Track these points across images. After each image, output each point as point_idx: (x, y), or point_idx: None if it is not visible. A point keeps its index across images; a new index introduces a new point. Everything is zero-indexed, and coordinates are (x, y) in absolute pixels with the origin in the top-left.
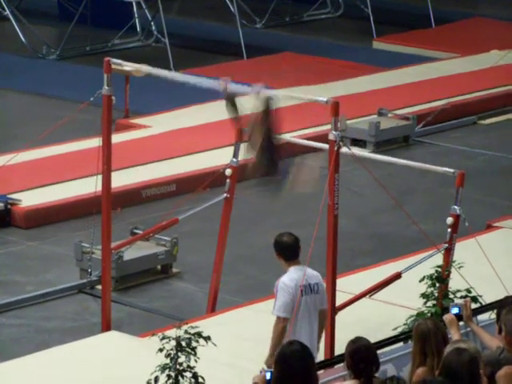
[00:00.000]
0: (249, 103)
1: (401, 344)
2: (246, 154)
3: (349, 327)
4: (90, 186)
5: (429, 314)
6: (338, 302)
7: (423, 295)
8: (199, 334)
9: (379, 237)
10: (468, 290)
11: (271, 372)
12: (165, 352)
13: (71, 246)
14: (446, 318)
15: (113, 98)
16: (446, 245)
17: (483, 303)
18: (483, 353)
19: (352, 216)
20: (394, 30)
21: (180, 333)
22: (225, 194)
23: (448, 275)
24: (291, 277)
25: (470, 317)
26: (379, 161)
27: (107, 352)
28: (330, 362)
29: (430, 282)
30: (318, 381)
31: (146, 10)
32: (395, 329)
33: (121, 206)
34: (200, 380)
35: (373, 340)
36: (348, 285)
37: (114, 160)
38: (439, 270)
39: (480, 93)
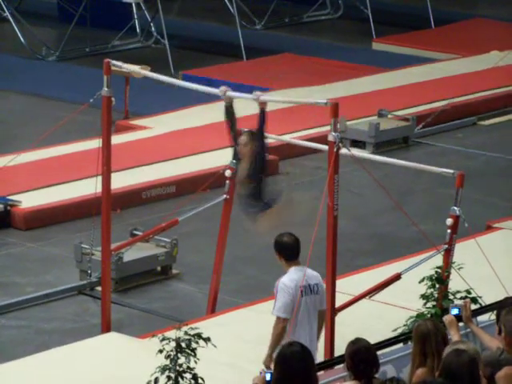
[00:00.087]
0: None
1: (401, 345)
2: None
3: (349, 328)
4: (89, 187)
5: (429, 315)
6: (338, 303)
7: (423, 296)
8: (199, 336)
9: (379, 237)
10: (468, 291)
11: (271, 373)
12: (165, 353)
13: (71, 248)
14: (446, 318)
15: (112, 99)
16: (446, 246)
17: (483, 304)
18: (483, 354)
19: (352, 217)
20: (394, 30)
21: (180, 334)
22: (224, 195)
23: (448, 276)
24: (291, 277)
25: (469, 318)
26: (379, 162)
27: (107, 353)
28: (330, 362)
29: (429, 283)
30: (318, 382)
31: (146, 11)
32: (395, 330)
33: (120, 207)
34: (200, 381)
35: (373, 341)
36: (348, 286)
37: (113, 161)
38: (439, 270)
39: (480, 93)
